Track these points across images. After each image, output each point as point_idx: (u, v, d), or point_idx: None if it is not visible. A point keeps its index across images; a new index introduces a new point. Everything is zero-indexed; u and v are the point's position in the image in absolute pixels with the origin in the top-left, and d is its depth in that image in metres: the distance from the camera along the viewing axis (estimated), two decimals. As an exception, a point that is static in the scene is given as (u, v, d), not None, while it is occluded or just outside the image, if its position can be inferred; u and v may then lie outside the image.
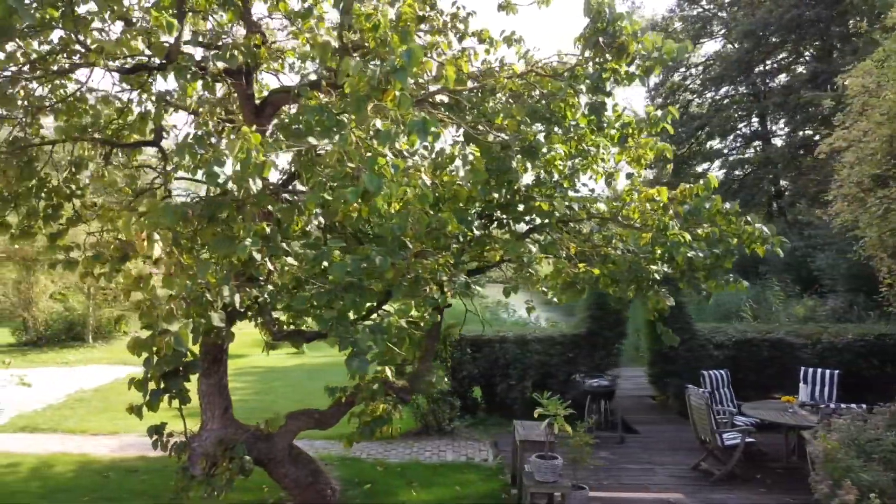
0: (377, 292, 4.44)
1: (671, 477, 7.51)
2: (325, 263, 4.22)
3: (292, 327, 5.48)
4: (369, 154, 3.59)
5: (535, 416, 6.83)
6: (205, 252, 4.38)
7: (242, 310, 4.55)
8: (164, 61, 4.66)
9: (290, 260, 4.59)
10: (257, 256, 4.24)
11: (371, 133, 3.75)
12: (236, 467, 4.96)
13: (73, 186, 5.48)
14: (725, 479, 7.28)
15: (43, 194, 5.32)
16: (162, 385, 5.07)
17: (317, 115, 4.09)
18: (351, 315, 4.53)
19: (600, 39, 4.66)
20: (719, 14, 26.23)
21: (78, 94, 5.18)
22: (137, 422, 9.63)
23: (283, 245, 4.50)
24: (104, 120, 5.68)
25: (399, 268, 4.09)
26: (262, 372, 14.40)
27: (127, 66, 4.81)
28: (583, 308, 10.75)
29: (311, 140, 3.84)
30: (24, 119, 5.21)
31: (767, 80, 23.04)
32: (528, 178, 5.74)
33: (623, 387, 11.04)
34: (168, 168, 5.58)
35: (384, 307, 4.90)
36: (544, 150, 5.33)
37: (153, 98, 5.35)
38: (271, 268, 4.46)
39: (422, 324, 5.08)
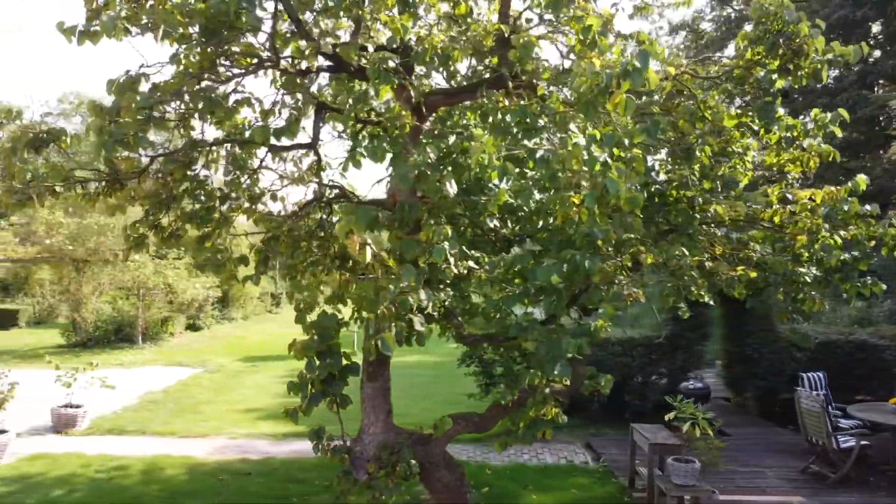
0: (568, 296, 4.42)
1: (783, 479, 7.47)
2: (517, 267, 4.20)
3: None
4: (586, 157, 3.56)
5: (666, 419, 6.81)
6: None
7: (435, 314, 4.52)
8: (336, 63, 4.63)
9: (470, 263, 4.56)
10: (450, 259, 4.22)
11: (580, 136, 3.72)
12: (403, 471, 4.92)
13: (229, 189, 5.43)
14: (840, 481, 7.24)
15: (203, 196, 5.28)
16: (320, 389, 5.00)
17: (518, 117, 4.07)
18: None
19: (780, 41, 4.62)
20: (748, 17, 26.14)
21: (240, 97, 5.13)
22: (223, 423, 9.74)
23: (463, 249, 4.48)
24: (246, 122, 5.64)
25: (606, 271, 4.06)
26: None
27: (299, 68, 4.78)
28: (664, 310, 10.71)
29: (526, 142, 3.81)
30: (180, 122, 5.17)
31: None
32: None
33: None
34: (321, 171, 5.54)
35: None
36: (697, 153, 5.31)
37: (303, 100, 5.31)
38: (456, 271, 4.42)
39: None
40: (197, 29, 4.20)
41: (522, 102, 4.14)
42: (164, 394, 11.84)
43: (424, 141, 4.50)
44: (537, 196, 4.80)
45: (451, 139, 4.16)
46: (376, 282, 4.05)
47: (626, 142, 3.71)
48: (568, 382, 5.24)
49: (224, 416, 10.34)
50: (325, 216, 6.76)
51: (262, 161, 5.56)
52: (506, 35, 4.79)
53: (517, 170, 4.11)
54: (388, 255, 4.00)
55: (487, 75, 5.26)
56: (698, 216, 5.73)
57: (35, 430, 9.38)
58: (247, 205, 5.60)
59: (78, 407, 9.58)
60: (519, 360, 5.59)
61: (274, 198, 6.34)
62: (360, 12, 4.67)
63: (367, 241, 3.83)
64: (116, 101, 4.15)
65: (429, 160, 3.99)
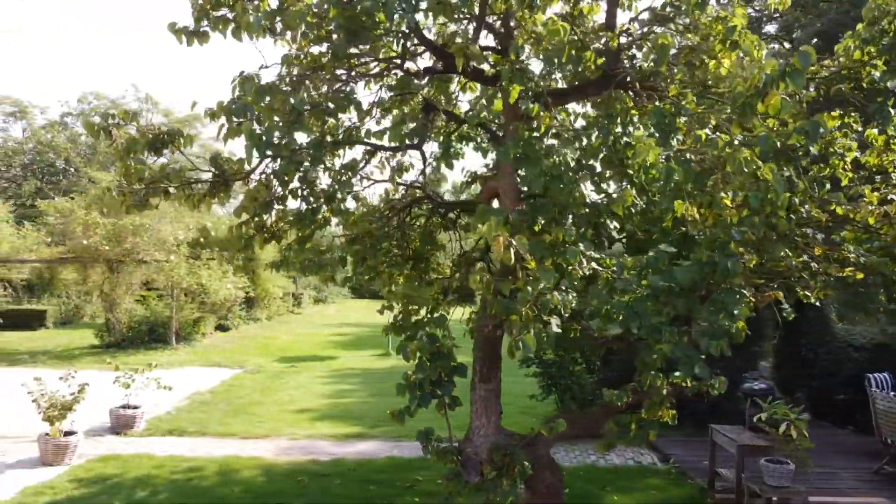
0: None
1: (859, 481, 7.45)
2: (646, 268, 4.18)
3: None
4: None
5: (756, 419, 6.79)
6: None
7: (566, 315, 4.50)
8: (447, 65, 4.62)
9: (593, 264, 4.55)
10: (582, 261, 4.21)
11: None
12: (518, 473, 4.91)
13: (337, 190, 5.41)
14: (919, 482, 7.23)
15: (311, 197, 5.26)
16: (430, 390, 4.98)
17: (656, 118, 4.05)
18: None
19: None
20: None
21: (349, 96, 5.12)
22: (280, 424, 9.72)
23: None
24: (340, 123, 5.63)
25: (746, 273, 4.05)
26: (364, 373, 14.32)
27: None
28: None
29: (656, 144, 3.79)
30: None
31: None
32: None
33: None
34: (427, 170, 5.54)
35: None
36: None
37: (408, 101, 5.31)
38: (583, 272, 4.41)
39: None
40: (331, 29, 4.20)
41: (658, 104, 4.12)
42: (211, 394, 11.83)
43: (558, 140, 4.47)
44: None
45: (593, 138, 4.12)
46: (512, 283, 4.02)
47: (778, 144, 3.70)
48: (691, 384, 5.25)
49: (278, 416, 10.33)
50: (405, 217, 6.79)
51: (366, 162, 5.55)
52: (614, 34, 4.79)
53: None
54: (530, 257, 3.98)
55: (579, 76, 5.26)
56: (794, 217, 5.72)
57: (94, 431, 9.35)
58: (351, 204, 5.60)
59: (136, 408, 9.57)
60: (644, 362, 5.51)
61: (356, 198, 6.36)
62: (477, 11, 4.65)
63: (513, 242, 3.80)
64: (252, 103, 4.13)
65: (568, 161, 3.98)
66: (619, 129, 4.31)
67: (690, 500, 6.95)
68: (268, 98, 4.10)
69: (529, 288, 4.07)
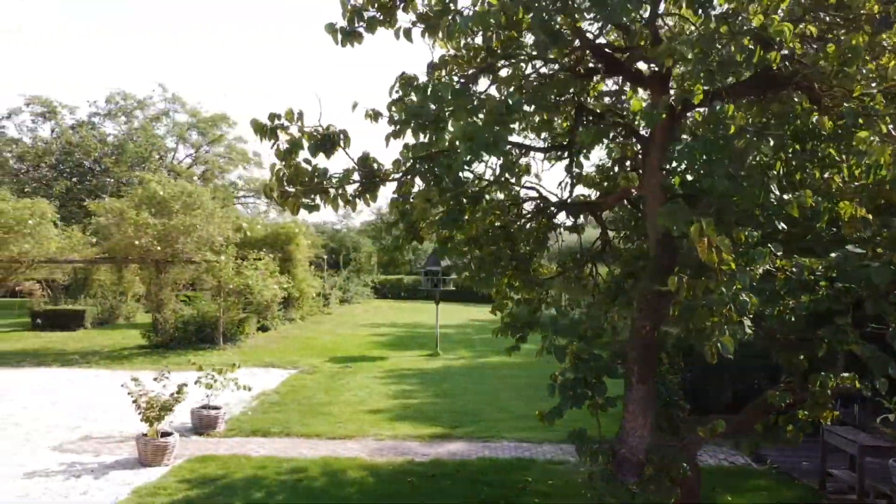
0: None
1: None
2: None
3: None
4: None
5: (878, 420, 6.78)
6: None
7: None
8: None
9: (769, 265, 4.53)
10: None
11: None
12: (677, 474, 4.90)
13: (496, 189, 5.41)
14: None
15: (464, 198, 5.25)
16: (585, 390, 4.98)
17: (850, 119, 4.04)
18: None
19: None
20: None
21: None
22: (361, 425, 9.71)
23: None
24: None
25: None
26: (419, 374, 14.30)
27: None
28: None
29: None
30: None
31: None
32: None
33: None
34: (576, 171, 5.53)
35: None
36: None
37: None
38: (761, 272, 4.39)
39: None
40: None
41: (847, 104, 4.10)
42: (278, 395, 11.82)
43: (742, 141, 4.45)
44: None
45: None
46: (704, 284, 4.00)
47: None
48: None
49: (354, 417, 10.31)
50: (513, 217, 6.78)
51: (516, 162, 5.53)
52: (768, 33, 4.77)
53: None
54: (731, 258, 3.96)
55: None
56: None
57: (178, 432, 9.33)
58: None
59: (217, 409, 9.57)
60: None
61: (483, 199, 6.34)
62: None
63: (717, 242, 3.79)
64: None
65: (763, 161, 3.97)
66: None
67: (803, 501, 6.93)
68: (463, 99, 4.08)
69: (724, 289, 4.06)
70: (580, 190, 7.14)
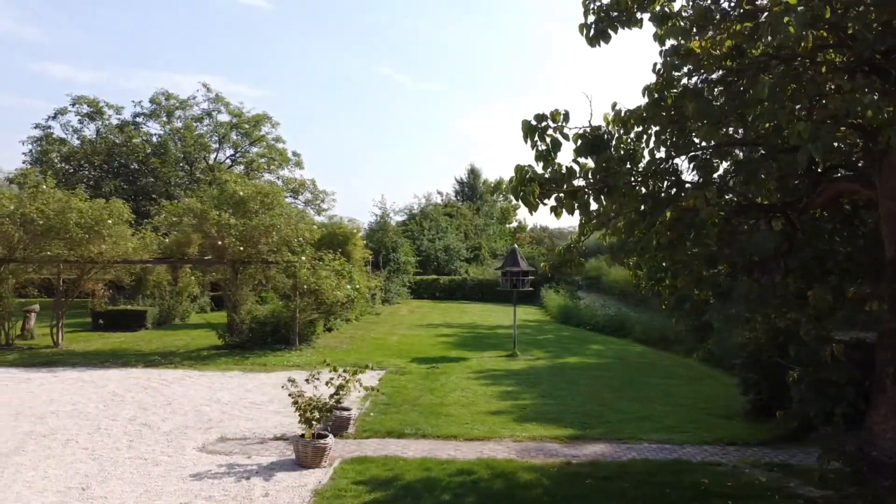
0: None
1: None
2: None
3: None
4: None
5: None
6: None
7: None
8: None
9: None
10: None
11: None
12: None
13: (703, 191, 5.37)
14: None
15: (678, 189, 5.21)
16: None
17: None
18: None
19: None
20: None
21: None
22: (492, 426, 9.67)
23: None
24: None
25: None
26: (509, 374, 14.26)
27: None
28: None
29: None
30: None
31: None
32: None
33: None
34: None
35: None
36: None
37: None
38: None
39: None
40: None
41: None
42: (385, 395, 11.77)
43: None
44: None
45: None
46: None
47: None
48: None
49: (476, 418, 10.27)
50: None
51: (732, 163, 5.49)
52: None
53: None
54: None
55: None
56: None
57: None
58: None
59: (348, 410, 9.53)
60: None
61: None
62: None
63: None
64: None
65: None
66: None
67: None
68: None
69: None
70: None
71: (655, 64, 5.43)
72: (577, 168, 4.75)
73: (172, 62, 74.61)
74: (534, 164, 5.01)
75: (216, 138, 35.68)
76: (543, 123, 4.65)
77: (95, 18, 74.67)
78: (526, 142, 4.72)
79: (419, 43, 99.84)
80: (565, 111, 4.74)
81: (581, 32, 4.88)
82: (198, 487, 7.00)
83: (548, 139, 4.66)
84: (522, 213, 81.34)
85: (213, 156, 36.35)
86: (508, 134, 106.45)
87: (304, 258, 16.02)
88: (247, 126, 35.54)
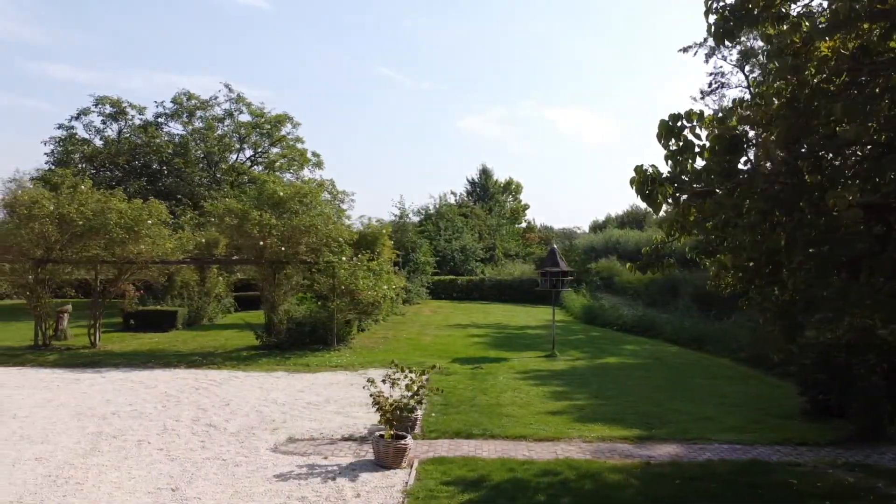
0: None
1: None
2: None
3: None
4: None
5: None
6: None
7: None
8: None
9: None
10: None
11: None
12: None
13: None
14: None
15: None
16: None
17: None
18: None
19: None
20: None
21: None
22: (557, 427, 9.65)
23: None
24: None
25: None
26: (554, 375, 14.24)
27: None
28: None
29: None
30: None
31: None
32: None
33: None
34: None
35: None
36: None
37: None
38: None
39: None
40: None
41: None
42: (439, 396, 11.68)
43: None
44: None
45: None
46: None
47: None
48: None
49: (537, 418, 10.25)
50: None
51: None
52: None
53: None
54: None
55: None
56: None
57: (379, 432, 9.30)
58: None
59: (413, 410, 9.51)
60: None
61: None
62: None
63: None
64: None
65: None
66: None
67: None
68: None
69: None
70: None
71: (766, 64, 5.43)
72: (706, 169, 4.76)
73: (172, 62, 74.65)
74: (653, 164, 5.04)
75: (237, 138, 35.75)
76: (679, 123, 4.66)
77: (95, 18, 74.76)
78: (660, 141, 4.72)
79: (419, 43, 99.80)
80: (700, 111, 4.75)
81: (708, 32, 4.87)
82: (287, 488, 7.00)
83: (682, 139, 4.66)
84: (531, 213, 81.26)
85: (233, 156, 36.43)
86: (514, 134, 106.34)
87: (343, 258, 16.01)
88: (268, 126, 35.62)
